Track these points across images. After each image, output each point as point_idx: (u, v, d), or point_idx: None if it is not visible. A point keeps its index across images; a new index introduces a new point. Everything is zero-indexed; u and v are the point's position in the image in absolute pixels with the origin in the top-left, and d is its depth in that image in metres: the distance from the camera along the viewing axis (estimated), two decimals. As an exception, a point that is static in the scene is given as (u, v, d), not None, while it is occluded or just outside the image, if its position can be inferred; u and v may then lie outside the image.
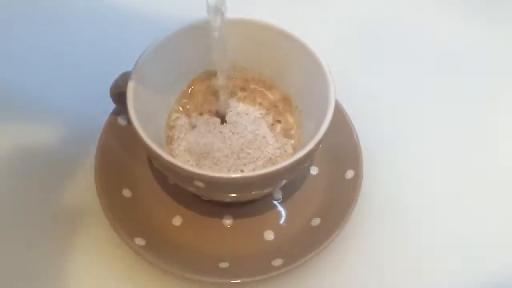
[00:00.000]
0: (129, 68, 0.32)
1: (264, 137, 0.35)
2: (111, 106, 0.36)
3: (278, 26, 0.35)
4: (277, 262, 0.33)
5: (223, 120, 0.36)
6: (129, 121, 0.31)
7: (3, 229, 0.35)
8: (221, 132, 0.35)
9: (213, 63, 0.34)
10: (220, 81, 0.35)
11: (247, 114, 0.36)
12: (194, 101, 0.37)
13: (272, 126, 0.36)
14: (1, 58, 0.43)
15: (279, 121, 0.36)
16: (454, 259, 0.36)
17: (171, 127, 0.36)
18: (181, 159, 0.34)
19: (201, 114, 0.36)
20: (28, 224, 0.35)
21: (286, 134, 0.36)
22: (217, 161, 0.34)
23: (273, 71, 0.37)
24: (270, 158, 0.35)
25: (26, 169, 0.38)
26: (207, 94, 0.37)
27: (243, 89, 0.38)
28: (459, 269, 0.35)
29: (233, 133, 0.35)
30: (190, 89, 0.37)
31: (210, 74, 0.37)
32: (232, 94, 0.37)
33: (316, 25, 0.46)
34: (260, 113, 0.37)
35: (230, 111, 0.36)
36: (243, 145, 0.35)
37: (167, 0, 0.45)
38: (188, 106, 0.37)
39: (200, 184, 0.30)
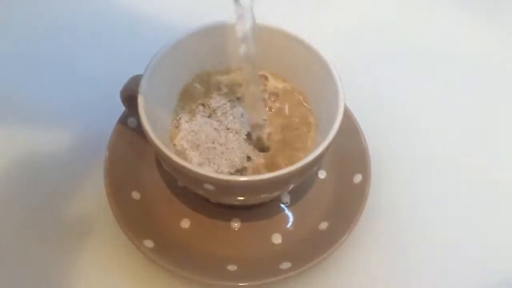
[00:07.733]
0: (138, 72, 0.33)
1: None
2: (121, 109, 0.36)
3: (290, 31, 0.35)
4: (285, 265, 0.33)
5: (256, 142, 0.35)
6: (138, 124, 0.31)
7: (12, 232, 0.35)
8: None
9: (243, 71, 0.34)
10: (251, 87, 0.34)
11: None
12: (200, 102, 0.37)
13: None
14: (10, 62, 0.44)
15: None
16: (461, 261, 0.36)
17: (178, 129, 0.36)
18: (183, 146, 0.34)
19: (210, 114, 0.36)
20: (37, 227, 0.35)
21: None
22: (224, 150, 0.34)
23: (285, 75, 0.37)
24: None
25: (36, 172, 0.38)
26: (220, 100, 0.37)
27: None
28: (467, 271, 0.35)
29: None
30: (197, 92, 0.37)
31: (216, 74, 0.37)
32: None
33: (326, 31, 0.46)
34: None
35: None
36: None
37: (177, 5, 0.46)
38: (195, 108, 0.37)
39: (209, 186, 0.30)
